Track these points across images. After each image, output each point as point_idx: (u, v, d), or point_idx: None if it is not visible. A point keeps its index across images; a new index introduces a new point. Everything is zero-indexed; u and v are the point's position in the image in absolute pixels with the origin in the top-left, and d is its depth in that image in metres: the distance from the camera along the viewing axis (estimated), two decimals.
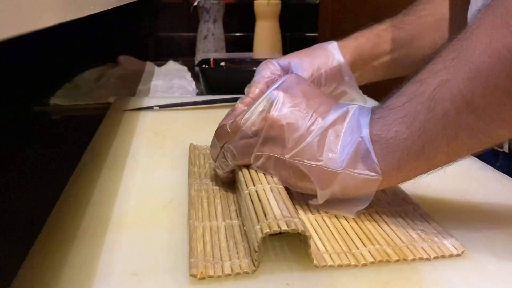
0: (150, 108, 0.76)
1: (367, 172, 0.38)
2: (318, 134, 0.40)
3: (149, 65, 1.19)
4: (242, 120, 0.42)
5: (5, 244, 0.43)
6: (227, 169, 0.45)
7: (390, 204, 0.43)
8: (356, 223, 0.40)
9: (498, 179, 0.52)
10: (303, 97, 0.42)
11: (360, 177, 0.38)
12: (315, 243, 0.37)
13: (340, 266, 0.35)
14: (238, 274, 0.33)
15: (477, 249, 0.37)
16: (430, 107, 0.35)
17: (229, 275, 0.33)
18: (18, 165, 0.61)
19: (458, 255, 0.36)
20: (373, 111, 0.40)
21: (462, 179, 0.51)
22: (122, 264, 0.35)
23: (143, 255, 0.36)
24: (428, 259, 0.36)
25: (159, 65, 1.17)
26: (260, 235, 0.33)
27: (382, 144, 0.38)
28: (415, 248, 0.37)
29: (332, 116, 0.40)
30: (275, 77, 0.51)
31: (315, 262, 0.34)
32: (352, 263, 0.35)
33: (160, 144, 0.61)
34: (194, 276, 0.33)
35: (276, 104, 0.41)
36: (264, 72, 0.51)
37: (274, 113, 0.41)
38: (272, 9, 1.23)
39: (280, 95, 0.42)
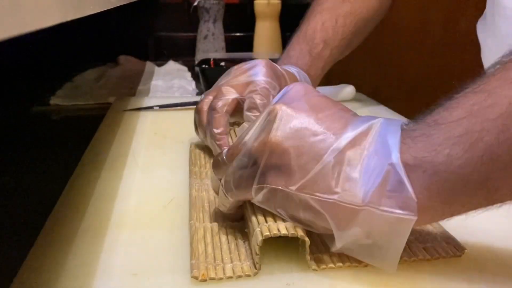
0: (150, 108, 0.76)
1: (398, 210, 0.30)
2: (332, 159, 0.32)
3: (149, 65, 1.18)
4: (238, 147, 0.36)
5: (5, 244, 0.43)
6: (228, 206, 0.38)
7: None
8: None
9: None
10: (311, 111, 0.34)
11: (389, 216, 0.30)
12: (314, 244, 0.37)
13: (340, 267, 0.35)
14: (239, 276, 0.33)
15: (478, 250, 0.37)
16: (505, 127, 0.28)
17: (230, 277, 0.33)
18: (18, 165, 0.61)
19: (458, 256, 0.36)
20: (407, 126, 0.32)
21: None
22: (122, 264, 0.35)
23: (143, 255, 0.36)
24: (428, 260, 0.36)
25: (159, 65, 1.17)
26: (260, 237, 0.33)
27: (426, 170, 0.30)
28: (415, 248, 0.36)
29: (349, 134, 0.32)
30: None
31: (313, 267, 0.34)
32: (353, 264, 0.35)
33: (160, 144, 0.61)
34: (195, 278, 0.33)
35: (277, 122, 0.34)
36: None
37: (276, 134, 0.33)
38: (272, 9, 1.23)
39: (283, 110, 0.34)
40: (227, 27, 1.22)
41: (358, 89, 0.83)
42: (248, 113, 0.50)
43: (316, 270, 0.34)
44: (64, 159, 0.59)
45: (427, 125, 0.31)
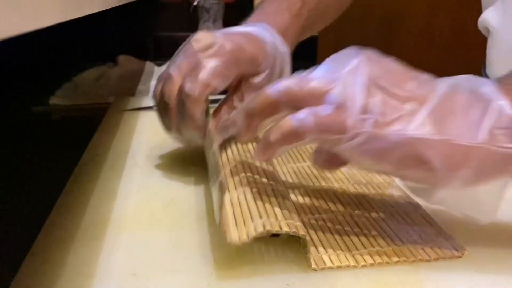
0: (150, 108, 0.76)
1: None
2: (436, 103, 0.31)
3: (148, 65, 1.18)
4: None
5: (5, 244, 0.43)
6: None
7: (391, 204, 0.43)
8: (356, 223, 0.40)
9: None
10: (398, 68, 0.34)
11: (506, 152, 0.30)
12: (314, 245, 0.37)
13: (339, 267, 0.35)
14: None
15: (478, 250, 0.37)
16: None
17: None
18: (18, 165, 0.61)
19: (458, 256, 0.36)
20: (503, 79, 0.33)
21: None
22: (122, 264, 0.35)
23: (143, 255, 0.36)
24: (428, 261, 0.36)
25: (159, 65, 1.17)
26: (260, 229, 0.33)
27: None
28: (415, 249, 0.36)
29: (442, 85, 0.32)
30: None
31: (313, 266, 0.34)
32: (352, 264, 0.35)
33: (160, 144, 0.61)
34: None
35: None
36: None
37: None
38: None
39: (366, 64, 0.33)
40: (227, 27, 1.22)
41: None
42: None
43: (316, 270, 0.34)
44: (64, 159, 0.59)
45: None
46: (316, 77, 0.33)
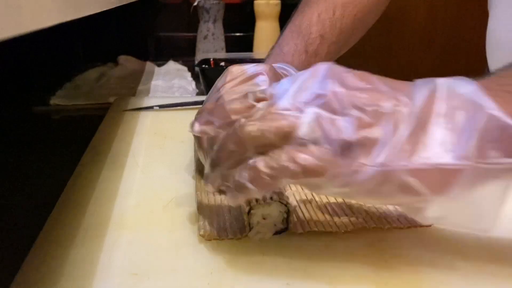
0: (150, 108, 0.76)
1: (506, 159, 0.27)
2: (412, 120, 0.28)
3: (149, 65, 1.19)
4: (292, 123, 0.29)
5: (5, 244, 0.43)
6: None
7: None
8: (336, 200, 0.43)
9: None
10: (373, 77, 0.30)
11: (496, 168, 0.27)
12: (301, 211, 0.40)
13: (324, 232, 0.38)
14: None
15: (477, 251, 0.37)
16: None
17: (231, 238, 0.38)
18: (18, 165, 0.61)
19: (428, 226, 0.39)
20: (488, 79, 0.30)
21: None
22: (122, 264, 0.35)
23: (143, 255, 0.36)
24: (401, 228, 0.39)
25: (159, 65, 1.17)
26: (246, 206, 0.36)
27: None
28: (390, 218, 0.40)
29: (421, 93, 0.29)
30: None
31: (300, 230, 0.38)
32: (330, 230, 0.38)
33: (160, 144, 0.61)
34: (202, 236, 0.37)
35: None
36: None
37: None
38: (272, 9, 1.23)
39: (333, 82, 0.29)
40: (227, 27, 1.22)
41: None
42: None
43: (302, 232, 0.38)
44: (64, 159, 0.59)
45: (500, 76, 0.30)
46: (280, 108, 0.29)
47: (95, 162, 0.54)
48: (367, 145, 0.28)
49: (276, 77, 0.43)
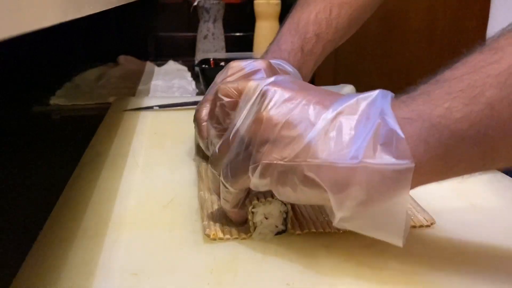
0: (150, 108, 0.76)
1: (393, 160, 0.29)
2: (323, 127, 0.32)
3: (149, 65, 1.19)
4: (231, 136, 0.35)
5: (5, 244, 0.43)
6: (231, 200, 0.37)
7: None
8: None
9: None
10: (300, 90, 0.35)
11: (386, 170, 0.30)
12: (301, 212, 0.40)
13: (323, 233, 0.38)
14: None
15: (478, 249, 0.37)
16: (507, 82, 0.28)
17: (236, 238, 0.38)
18: (18, 165, 0.61)
19: (427, 226, 0.40)
20: (407, 91, 0.32)
21: None
22: (122, 264, 0.35)
23: (143, 255, 0.36)
24: None
25: (159, 65, 1.17)
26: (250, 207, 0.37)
27: (424, 122, 0.29)
28: None
29: (340, 104, 0.33)
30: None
31: (290, 230, 0.38)
32: (333, 231, 0.38)
33: (160, 144, 0.61)
34: (207, 236, 0.38)
35: (268, 99, 0.34)
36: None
37: (267, 109, 0.33)
38: (272, 9, 1.23)
39: (273, 89, 0.34)
40: (227, 27, 1.22)
41: (362, 90, 0.83)
42: None
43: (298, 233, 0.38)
44: (64, 159, 0.59)
45: (428, 85, 0.31)
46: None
47: (95, 162, 0.54)
48: (281, 142, 0.33)
49: (273, 73, 0.48)
